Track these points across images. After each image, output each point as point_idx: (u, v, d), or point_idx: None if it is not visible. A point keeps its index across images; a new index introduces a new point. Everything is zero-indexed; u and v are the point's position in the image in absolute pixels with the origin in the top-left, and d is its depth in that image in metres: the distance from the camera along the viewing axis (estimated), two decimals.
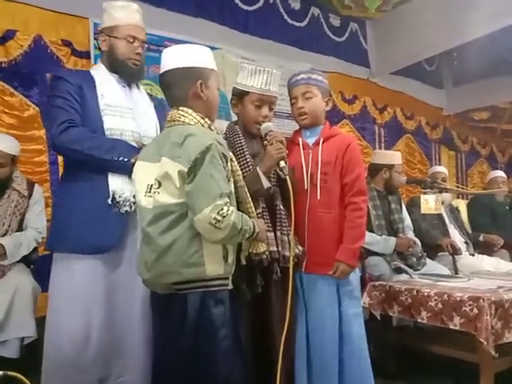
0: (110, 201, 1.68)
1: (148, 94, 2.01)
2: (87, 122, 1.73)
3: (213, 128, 1.53)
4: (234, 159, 1.57)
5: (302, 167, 1.95)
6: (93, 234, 1.66)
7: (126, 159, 1.67)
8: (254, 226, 1.48)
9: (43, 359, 1.69)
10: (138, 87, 1.94)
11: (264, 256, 1.66)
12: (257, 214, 1.73)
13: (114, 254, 1.71)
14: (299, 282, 1.94)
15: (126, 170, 1.68)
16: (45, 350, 1.70)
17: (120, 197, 1.69)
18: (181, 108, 1.51)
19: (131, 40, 1.81)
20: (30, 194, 2.64)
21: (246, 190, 1.59)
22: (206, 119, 1.51)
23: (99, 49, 1.88)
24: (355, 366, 1.90)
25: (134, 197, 1.68)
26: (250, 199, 1.59)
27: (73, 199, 1.72)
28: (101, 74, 1.83)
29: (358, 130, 4.98)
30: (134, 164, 1.64)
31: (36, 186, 2.72)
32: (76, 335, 1.64)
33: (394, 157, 3.22)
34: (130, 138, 1.76)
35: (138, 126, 1.81)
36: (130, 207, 1.70)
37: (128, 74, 1.85)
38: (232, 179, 1.51)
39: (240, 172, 1.59)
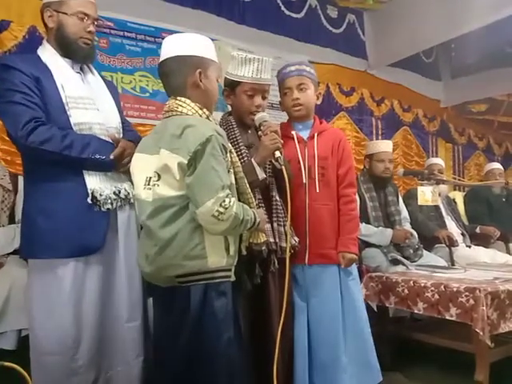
0: (89, 200, 1.59)
1: (101, 76, 1.87)
2: (51, 118, 1.58)
3: (211, 119, 1.52)
4: (233, 151, 1.57)
5: (298, 161, 1.97)
6: (77, 236, 1.58)
7: (102, 157, 1.60)
8: (254, 215, 1.48)
9: (31, 367, 1.60)
10: (92, 71, 1.79)
11: (263, 247, 1.66)
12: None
13: (99, 253, 1.63)
14: (302, 274, 1.96)
15: (103, 168, 1.64)
16: (33, 359, 1.62)
17: (101, 195, 1.61)
18: (178, 98, 1.50)
19: (82, 17, 1.66)
20: (16, 188, 2.54)
21: (246, 181, 1.58)
22: (205, 110, 1.50)
23: (45, 25, 1.71)
24: (361, 350, 1.94)
25: (114, 194, 1.65)
26: (249, 190, 1.59)
27: (48, 201, 1.60)
28: (53, 59, 1.67)
29: (355, 122, 4.96)
30: (111, 161, 1.62)
31: (20, 178, 2.56)
32: (67, 341, 1.58)
33: (374, 146, 3.22)
34: (99, 131, 1.66)
35: (103, 116, 1.70)
36: (112, 205, 1.64)
37: (80, 56, 1.70)
38: (232, 170, 1.51)
39: (239, 163, 1.59)
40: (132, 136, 1.80)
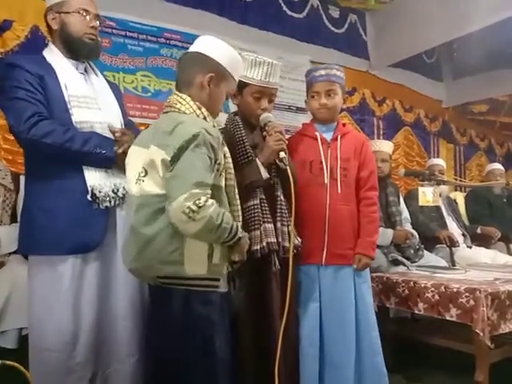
0: (89, 197, 1.60)
1: (106, 78, 1.89)
2: (54, 116, 1.61)
3: (209, 120, 1.49)
4: (228, 155, 1.52)
5: (321, 162, 1.98)
6: (75, 233, 1.59)
7: (103, 151, 1.61)
8: (237, 228, 1.39)
9: (30, 363, 1.61)
10: (96, 73, 1.81)
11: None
12: (254, 204, 1.73)
13: (98, 251, 1.64)
14: (317, 274, 1.97)
15: (104, 163, 1.64)
16: (31, 355, 1.63)
17: (100, 192, 1.61)
18: (180, 94, 1.49)
19: (84, 13, 1.68)
20: (17, 187, 2.55)
21: (236, 190, 1.54)
22: (203, 109, 1.48)
23: (49, 29, 1.74)
24: (370, 353, 1.94)
25: (113, 192, 1.65)
26: (238, 201, 1.54)
27: (48, 198, 1.62)
28: (58, 59, 1.69)
29: (356, 122, 4.96)
30: (112, 157, 1.62)
31: (22, 177, 2.51)
32: (65, 338, 1.59)
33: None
34: (100, 130, 1.67)
35: (105, 115, 1.72)
36: (110, 202, 1.64)
37: (85, 51, 1.72)
38: (224, 175, 1.47)
39: (232, 170, 1.54)
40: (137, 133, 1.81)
